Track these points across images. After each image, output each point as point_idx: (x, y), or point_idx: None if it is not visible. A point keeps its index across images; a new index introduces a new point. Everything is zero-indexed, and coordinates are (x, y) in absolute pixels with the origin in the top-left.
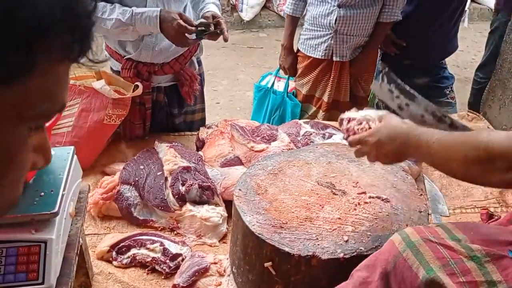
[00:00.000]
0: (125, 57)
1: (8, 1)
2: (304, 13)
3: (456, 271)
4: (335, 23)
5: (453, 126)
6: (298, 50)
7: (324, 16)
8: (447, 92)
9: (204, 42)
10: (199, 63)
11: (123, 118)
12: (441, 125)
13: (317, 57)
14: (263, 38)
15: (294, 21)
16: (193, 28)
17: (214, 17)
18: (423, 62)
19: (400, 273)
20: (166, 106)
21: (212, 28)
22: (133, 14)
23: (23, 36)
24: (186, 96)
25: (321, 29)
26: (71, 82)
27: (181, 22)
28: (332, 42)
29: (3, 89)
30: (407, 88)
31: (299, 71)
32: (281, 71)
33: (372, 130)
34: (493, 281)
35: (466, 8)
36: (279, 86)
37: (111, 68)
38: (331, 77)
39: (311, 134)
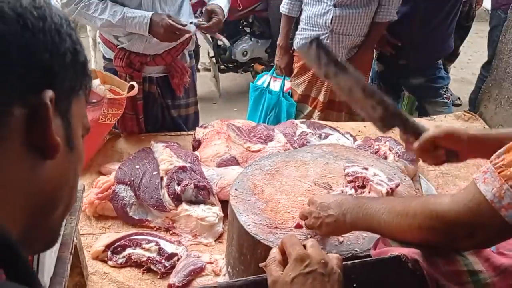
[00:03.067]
0: (118, 46)
1: (80, 57)
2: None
3: (439, 261)
4: (331, 23)
5: (381, 103)
6: (294, 50)
7: (320, 15)
8: (443, 92)
9: (201, 43)
10: (191, 56)
11: (118, 118)
12: (369, 101)
13: None
14: None
15: (290, 21)
16: (183, 27)
17: (212, 12)
18: (419, 62)
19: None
20: (160, 97)
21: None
22: (124, 17)
23: (81, 69)
24: (176, 88)
25: (317, 29)
26: None
27: (170, 21)
28: (328, 41)
29: (77, 99)
30: (338, 58)
31: (295, 71)
32: (277, 71)
33: (322, 205)
34: (475, 270)
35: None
36: (275, 86)
37: (104, 56)
38: None
39: (307, 134)
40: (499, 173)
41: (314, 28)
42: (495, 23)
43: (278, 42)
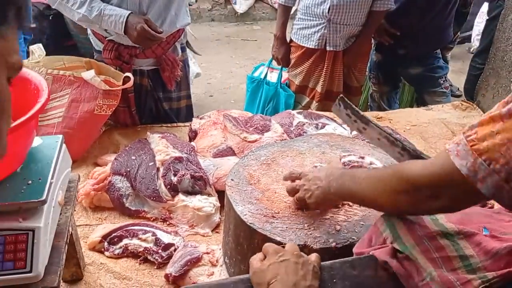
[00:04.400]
0: (107, 38)
1: None
2: (296, 3)
3: (430, 247)
4: (328, 12)
5: (405, 149)
6: (291, 40)
7: (317, 5)
8: (441, 82)
9: (198, 35)
10: (183, 49)
11: (114, 108)
12: (395, 148)
13: (310, 46)
14: (257, 31)
15: (287, 11)
16: (157, 34)
17: None
18: (417, 52)
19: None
20: (152, 90)
21: None
22: (101, 14)
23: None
24: (167, 81)
25: (314, 19)
26: (61, 72)
27: (145, 26)
28: (326, 31)
29: None
30: (361, 113)
31: (292, 62)
32: (274, 62)
33: (314, 177)
34: (466, 255)
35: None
36: (272, 77)
37: (94, 48)
38: (325, 67)
39: (304, 124)
40: (471, 146)
41: (312, 18)
42: (496, 13)
43: (274, 33)
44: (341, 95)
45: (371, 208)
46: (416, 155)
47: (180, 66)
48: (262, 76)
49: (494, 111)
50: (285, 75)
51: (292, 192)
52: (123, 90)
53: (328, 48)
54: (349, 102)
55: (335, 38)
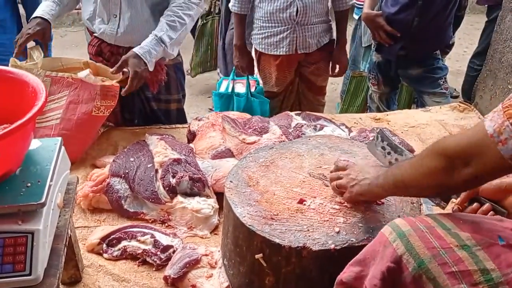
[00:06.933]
0: (94, 34)
1: None
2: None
3: (448, 260)
4: (296, 15)
5: None
6: (256, 52)
7: (283, 10)
8: (441, 82)
9: None
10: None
11: (111, 109)
12: None
13: (281, 53)
14: None
15: (243, 19)
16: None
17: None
18: (417, 53)
19: (390, 264)
20: (139, 90)
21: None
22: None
23: None
24: (150, 83)
25: (280, 24)
26: (59, 74)
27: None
28: (295, 35)
29: None
30: (397, 144)
31: (274, 77)
32: (237, 71)
33: (358, 167)
34: (487, 269)
35: None
36: (240, 88)
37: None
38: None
39: (302, 126)
40: (504, 112)
41: (277, 24)
42: (495, 15)
43: (234, 42)
44: (380, 129)
45: (414, 196)
46: None
47: (165, 70)
48: (230, 90)
49: None
50: (252, 82)
51: (334, 178)
52: None
53: (299, 51)
54: (387, 135)
55: (306, 40)
